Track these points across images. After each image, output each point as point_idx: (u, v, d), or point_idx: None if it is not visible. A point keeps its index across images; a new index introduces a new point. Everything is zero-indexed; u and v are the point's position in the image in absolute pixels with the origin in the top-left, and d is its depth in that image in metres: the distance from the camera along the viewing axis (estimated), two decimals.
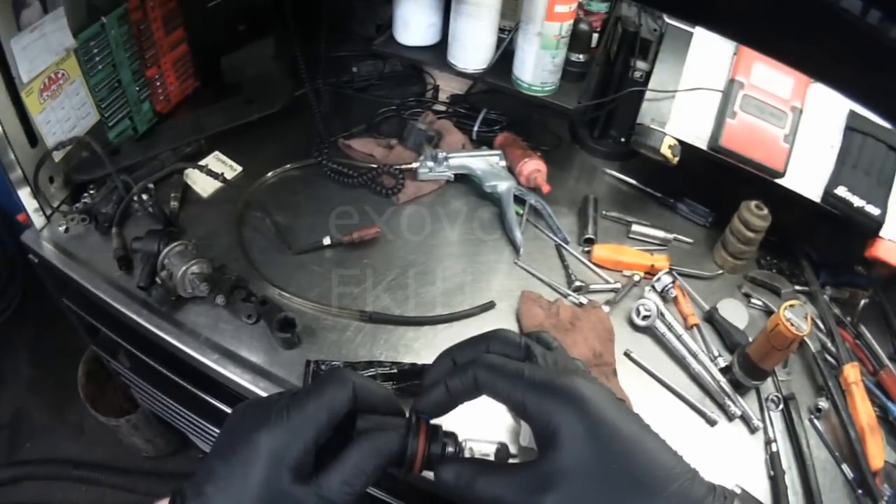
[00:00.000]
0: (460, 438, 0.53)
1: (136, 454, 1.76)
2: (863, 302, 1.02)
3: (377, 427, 0.51)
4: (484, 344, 0.53)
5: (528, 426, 0.48)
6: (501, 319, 0.96)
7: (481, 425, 0.57)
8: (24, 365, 1.95)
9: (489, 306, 0.97)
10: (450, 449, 0.52)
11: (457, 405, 0.51)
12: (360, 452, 0.49)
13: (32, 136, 0.96)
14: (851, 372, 0.90)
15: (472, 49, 1.14)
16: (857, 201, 0.98)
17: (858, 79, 0.46)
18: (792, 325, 0.80)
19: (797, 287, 1.06)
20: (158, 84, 1.17)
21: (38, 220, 1.02)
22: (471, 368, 0.49)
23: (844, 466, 0.85)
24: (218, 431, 1.18)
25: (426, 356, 0.90)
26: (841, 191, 0.99)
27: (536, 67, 1.09)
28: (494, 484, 0.46)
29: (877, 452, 0.83)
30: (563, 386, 0.45)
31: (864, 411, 0.87)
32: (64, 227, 1.03)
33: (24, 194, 0.98)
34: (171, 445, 1.79)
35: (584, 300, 0.99)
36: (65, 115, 1.01)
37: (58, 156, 1.02)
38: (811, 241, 1.12)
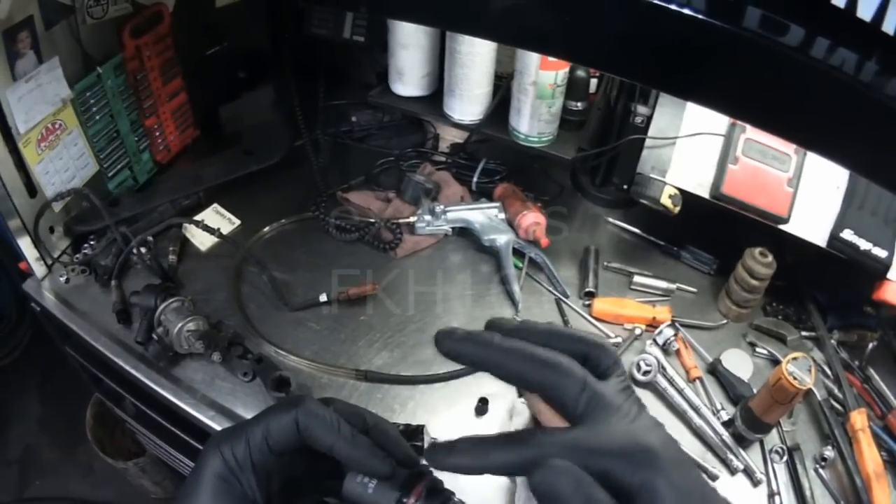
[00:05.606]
0: None
1: (146, 496, 1.76)
2: (871, 345, 0.99)
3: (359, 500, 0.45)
4: (582, 347, 0.41)
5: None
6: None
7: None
8: (34, 404, 1.96)
9: None
10: None
11: None
12: None
13: (32, 187, 0.96)
14: (858, 418, 0.88)
15: (468, 99, 1.13)
16: (863, 244, 0.96)
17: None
18: (795, 378, 0.78)
19: (804, 333, 1.03)
20: (158, 134, 1.17)
21: (39, 270, 1.02)
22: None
23: None
24: None
25: (421, 416, 0.89)
26: (847, 234, 0.96)
27: (533, 118, 1.08)
28: None
29: (883, 500, 0.81)
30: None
31: (870, 458, 0.84)
32: (65, 277, 1.03)
33: (25, 244, 0.98)
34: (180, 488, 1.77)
35: None
36: (63, 165, 1.01)
37: (57, 206, 1.02)
38: (818, 285, 1.09)
